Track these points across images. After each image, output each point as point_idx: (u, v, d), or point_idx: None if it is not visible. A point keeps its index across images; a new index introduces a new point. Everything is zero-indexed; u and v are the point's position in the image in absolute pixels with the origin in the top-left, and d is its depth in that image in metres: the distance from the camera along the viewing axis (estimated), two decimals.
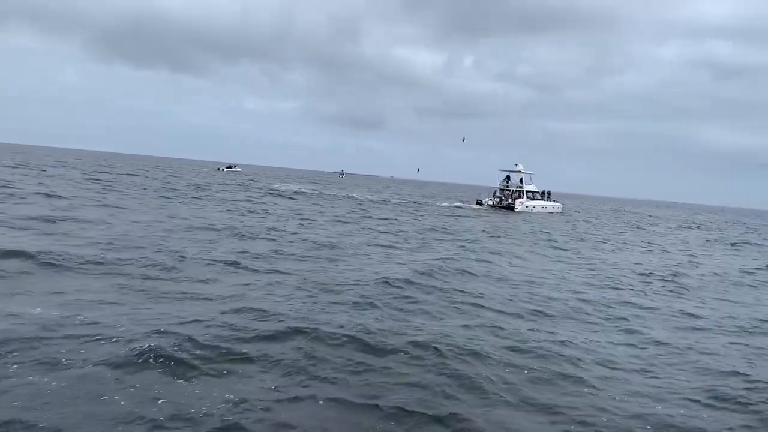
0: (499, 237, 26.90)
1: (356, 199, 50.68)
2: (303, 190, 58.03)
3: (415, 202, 53.83)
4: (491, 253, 19.83)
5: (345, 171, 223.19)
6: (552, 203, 59.05)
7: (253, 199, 37.57)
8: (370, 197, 56.01)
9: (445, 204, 55.21)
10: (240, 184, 57.57)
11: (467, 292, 12.15)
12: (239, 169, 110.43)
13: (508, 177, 56.82)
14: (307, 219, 26.49)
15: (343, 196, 52.47)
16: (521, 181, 56.73)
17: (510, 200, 53.29)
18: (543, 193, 58.27)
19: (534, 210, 54.17)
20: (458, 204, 55.58)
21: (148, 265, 11.62)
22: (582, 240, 29.97)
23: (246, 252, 14.62)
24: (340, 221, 27.23)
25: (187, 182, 50.16)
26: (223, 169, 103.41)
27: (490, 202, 53.71)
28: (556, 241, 27.27)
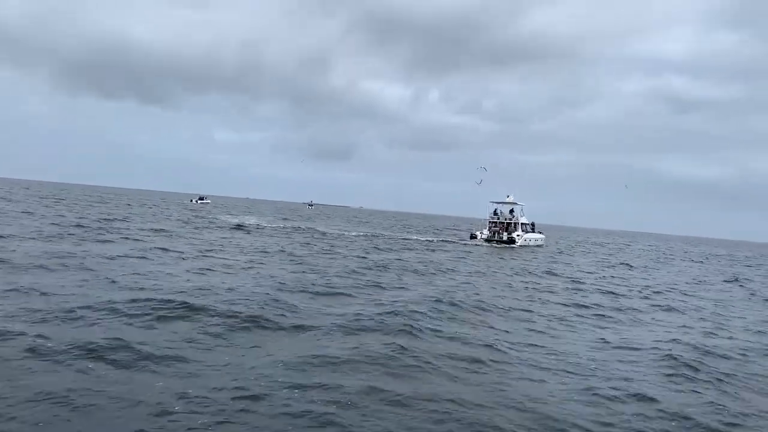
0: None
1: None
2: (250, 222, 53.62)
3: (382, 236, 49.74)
4: None
5: (314, 202, 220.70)
6: (541, 235, 56.59)
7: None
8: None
9: (417, 237, 51.51)
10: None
11: None
12: (208, 201, 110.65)
13: (495, 210, 53.52)
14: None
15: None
16: (511, 212, 53.67)
17: (506, 233, 49.86)
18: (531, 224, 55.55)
19: (531, 244, 51.12)
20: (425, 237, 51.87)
21: None
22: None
23: None
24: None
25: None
26: (195, 201, 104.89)
27: (485, 236, 50.11)
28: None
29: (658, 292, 22.82)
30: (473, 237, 50.28)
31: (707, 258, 65.53)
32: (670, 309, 18.34)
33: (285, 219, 69.95)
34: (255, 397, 6.86)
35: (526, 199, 54.96)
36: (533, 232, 54.65)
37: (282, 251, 26.33)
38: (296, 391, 7.20)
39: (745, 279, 35.01)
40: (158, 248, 21.84)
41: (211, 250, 23.65)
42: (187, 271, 16.95)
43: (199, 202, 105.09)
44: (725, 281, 32.49)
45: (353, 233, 49.05)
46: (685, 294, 23.53)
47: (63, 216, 36.17)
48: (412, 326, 11.25)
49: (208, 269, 17.66)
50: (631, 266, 38.67)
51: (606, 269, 34.25)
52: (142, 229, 31.22)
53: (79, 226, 29.23)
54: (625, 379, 9.09)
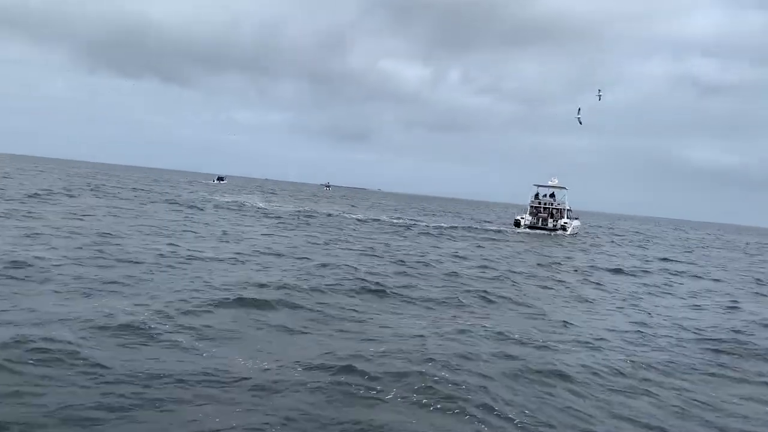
0: None
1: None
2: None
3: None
4: None
5: (331, 183, 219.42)
6: (578, 222, 53.22)
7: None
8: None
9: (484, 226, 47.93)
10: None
11: None
12: (225, 181, 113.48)
13: (537, 194, 49.58)
14: None
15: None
16: (552, 196, 49.75)
17: (552, 220, 46.11)
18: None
19: (577, 231, 47.48)
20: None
21: None
22: None
23: None
24: None
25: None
26: (215, 181, 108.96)
27: (528, 222, 46.30)
28: None
29: None
30: (518, 224, 46.40)
31: None
32: None
33: (296, 201, 66.78)
34: None
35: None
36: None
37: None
38: None
39: None
40: None
41: None
42: None
43: (218, 182, 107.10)
44: None
45: (358, 216, 45.36)
46: None
47: None
48: None
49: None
50: None
51: None
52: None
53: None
54: None
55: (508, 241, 34.28)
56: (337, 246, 21.56)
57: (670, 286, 20.04)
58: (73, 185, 45.19)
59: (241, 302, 10.20)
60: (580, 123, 41.90)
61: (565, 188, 48.75)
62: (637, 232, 74.02)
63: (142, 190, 51.70)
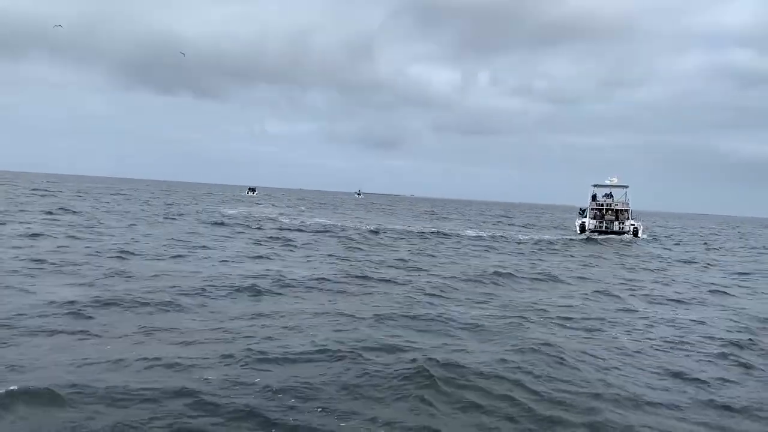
0: None
1: None
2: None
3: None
4: None
5: (363, 190, 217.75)
6: None
7: None
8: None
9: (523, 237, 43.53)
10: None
11: None
12: (256, 192, 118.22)
13: (594, 196, 44.80)
14: None
15: None
16: (610, 196, 44.91)
17: (618, 222, 41.47)
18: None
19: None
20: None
21: None
22: None
23: None
24: None
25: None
26: (247, 193, 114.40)
27: (591, 227, 41.45)
28: None
29: None
30: (583, 229, 41.72)
31: None
32: None
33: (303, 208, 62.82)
34: None
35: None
36: None
37: None
38: None
39: None
40: None
41: None
42: None
43: (249, 193, 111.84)
44: None
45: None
46: None
47: None
48: None
49: None
50: None
51: None
52: None
53: None
54: None
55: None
56: None
57: None
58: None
59: None
60: None
61: (626, 186, 43.99)
62: (726, 237, 67.37)
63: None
